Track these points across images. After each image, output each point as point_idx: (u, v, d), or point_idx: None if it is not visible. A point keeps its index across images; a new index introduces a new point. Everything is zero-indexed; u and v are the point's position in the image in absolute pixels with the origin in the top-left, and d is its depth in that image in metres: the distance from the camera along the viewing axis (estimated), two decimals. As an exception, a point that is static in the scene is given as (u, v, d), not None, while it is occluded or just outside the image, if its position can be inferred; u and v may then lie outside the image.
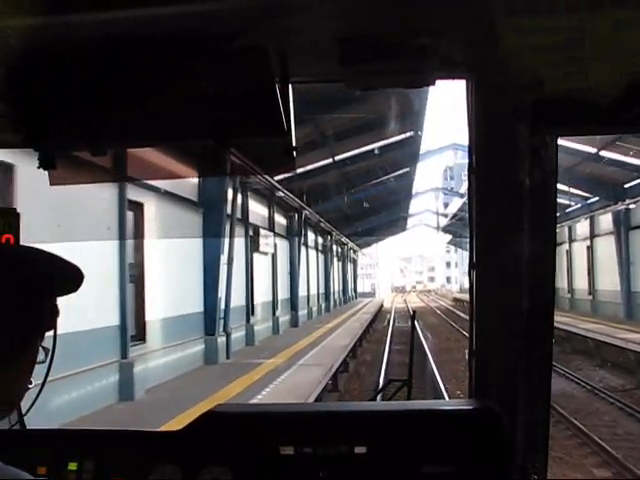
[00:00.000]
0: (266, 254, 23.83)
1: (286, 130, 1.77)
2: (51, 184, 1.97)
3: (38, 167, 1.82)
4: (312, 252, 37.22)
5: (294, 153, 1.86)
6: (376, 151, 24.60)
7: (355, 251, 65.52)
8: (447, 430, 1.93)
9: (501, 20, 1.64)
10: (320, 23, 1.65)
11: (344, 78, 1.85)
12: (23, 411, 2.05)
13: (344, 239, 49.94)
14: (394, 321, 38.20)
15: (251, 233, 21.20)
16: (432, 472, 1.88)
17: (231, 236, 17.37)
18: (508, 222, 1.98)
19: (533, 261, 1.96)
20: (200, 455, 1.90)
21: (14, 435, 2.07)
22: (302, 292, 31.72)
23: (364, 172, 29.98)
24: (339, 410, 2.23)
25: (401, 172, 33.56)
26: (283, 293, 27.24)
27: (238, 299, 19.08)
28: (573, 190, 30.51)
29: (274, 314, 24.48)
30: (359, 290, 74.89)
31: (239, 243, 19.03)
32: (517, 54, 1.77)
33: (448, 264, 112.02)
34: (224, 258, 16.67)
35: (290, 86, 1.82)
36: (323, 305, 39.08)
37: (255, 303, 21.73)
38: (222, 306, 16.82)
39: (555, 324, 2.05)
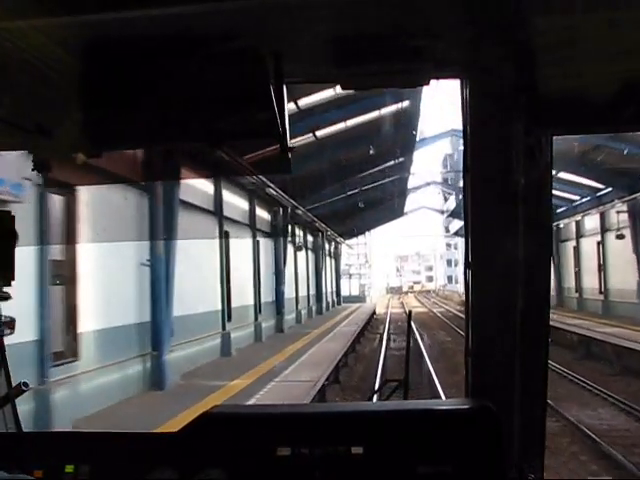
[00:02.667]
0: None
1: (281, 131, 1.82)
2: (46, 186, 2.19)
3: (32, 169, 1.91)
4: (246, 235, 22.54)
5: (289, 154, 1.89)
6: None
7: (337, 243, 48.42)
8: (444, 429, 2.00)
9: (496, 20, 1.72)
10: (315, 24, 1.73)
11: (339, 79, 1.94)
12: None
13: (318, 223, 35.90)
14: (389, 337, 27.52)
15: None
16: (429, 472, 1.93)
17: None
18: (504, 221, 2.04)
19: (529, 260, 2.03)
20: (197, 457, 1.97)
21: (10, 438, 2.14)
22: (210, 305, 17.34)
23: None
24: (336, 410, 2.29)
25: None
26: (135, 314, 12.76)
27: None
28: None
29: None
30: (345, 293, 57.58)
31: None
32: (512, 54, 1.85)
33: (449, 262, 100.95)
34: None
35: (285, 87, 1.86)
36: (264, 326, 22.12)
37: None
38: None
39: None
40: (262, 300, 23.74)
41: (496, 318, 2.06)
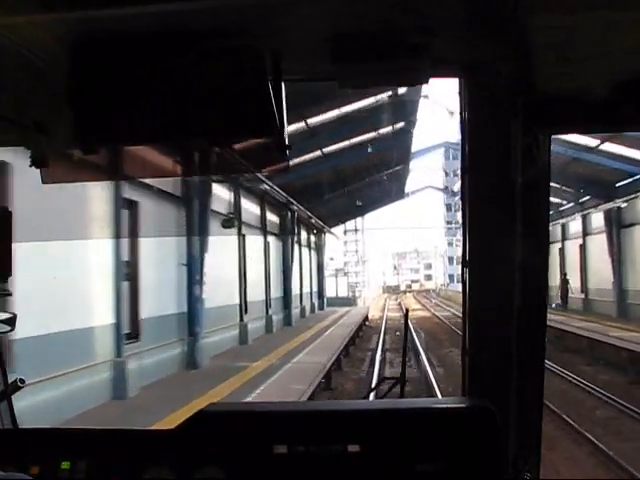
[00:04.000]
0: None
1: (279, 129, 1.82)
2: (44, 182, 1.98)
3: (30, 165, 1.88)
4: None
5: (287, 152, 1.89)
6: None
7: (319, 230, 38.17)
8: (441, 428, 2.00)
9: (494, 20, 1.74)
10: (313, 22, 1.74)
11: (337, 76, 1.94)
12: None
13: (281, 195, 24.80)
14: (384, 357, 19.84)
15: None
16: (425, 470, 1.94)
17: None
18: (501, 221, 2.07)
19: (526, 259, 2.04)
20: (193, 454, 1.97)
21: (6, 435, 2.13)
22: None
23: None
24: (332, 409, 2.28)
25: None
26: None
27: None
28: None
29: None
30: (332, 294, 47.21)
31: None
32: (510, 53, 1.87)
33: (451, 260, 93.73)
34: None
35: (283, 85, 1.87)
36: (146, 363, 11.98)
37: None
38: None
39: None
40: (148, 314, 12.87)
41: (494, 317, 2.08)
